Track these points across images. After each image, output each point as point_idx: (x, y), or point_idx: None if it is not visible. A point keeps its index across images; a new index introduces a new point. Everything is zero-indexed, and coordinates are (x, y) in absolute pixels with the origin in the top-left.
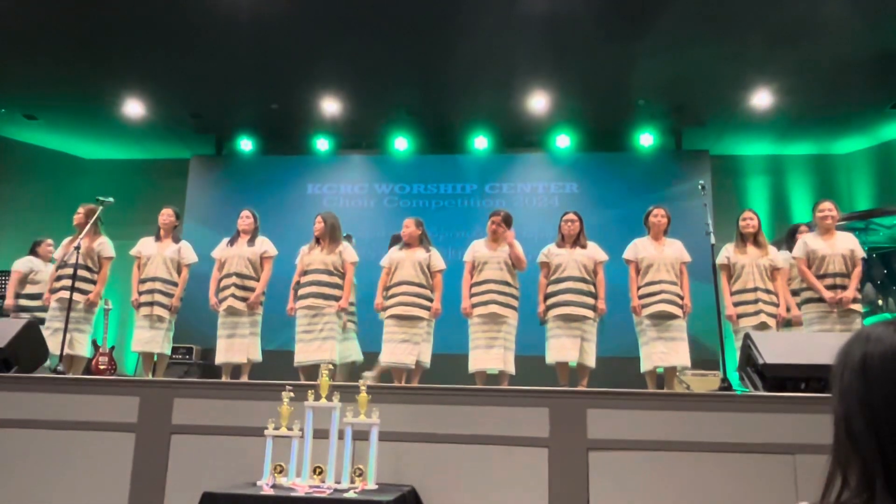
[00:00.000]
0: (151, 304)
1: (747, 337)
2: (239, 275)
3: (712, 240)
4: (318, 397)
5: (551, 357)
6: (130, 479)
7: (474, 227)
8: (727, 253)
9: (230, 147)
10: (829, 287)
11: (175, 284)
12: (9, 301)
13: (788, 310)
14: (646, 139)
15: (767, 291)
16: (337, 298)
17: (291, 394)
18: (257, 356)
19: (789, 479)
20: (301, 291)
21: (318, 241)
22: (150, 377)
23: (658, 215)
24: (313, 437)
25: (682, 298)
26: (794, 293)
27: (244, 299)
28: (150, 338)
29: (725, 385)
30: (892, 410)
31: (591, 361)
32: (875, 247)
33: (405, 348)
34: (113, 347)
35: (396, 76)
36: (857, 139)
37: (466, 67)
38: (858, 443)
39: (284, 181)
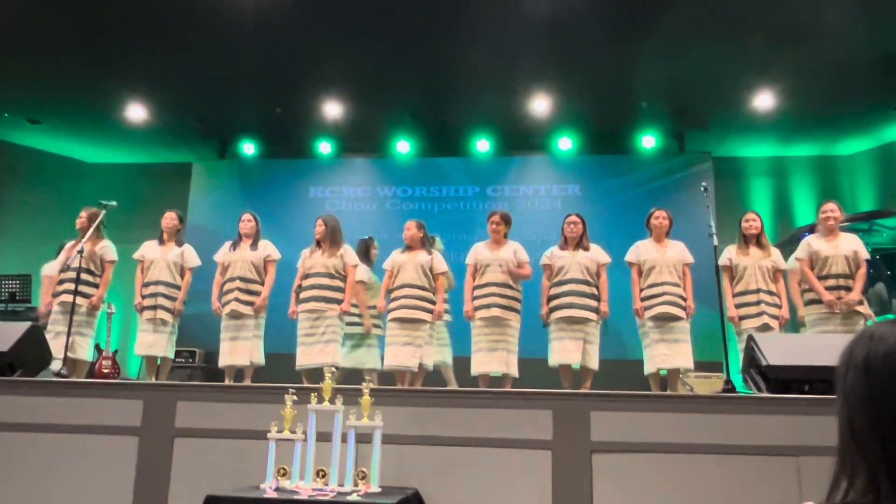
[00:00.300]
0: (154, 307)
1: (750, 339)
2: (242, 279)
3: (715, 241)
4: (320, 400)
5: (554, 359)
6: (134, 483)
7: (476, 230)
8: (729, 254)
9: (233, 151)
10: (832, 288)
11: (178, 288)
12: (43, 308)
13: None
14: (648, 141)
15: (770, 293)
16: (339, 301)
17: (294, 397)
18: (260, 359)
19: (793, 481)
20: (303, 295)
21: (318, 244)
22: (153, 380)
23: (659, 217)
24: (316, 440)
25: (684, 300)
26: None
27: (248, 303)
28: (154, 341)
29: (729, 387)
30: None
31: (593, 364)
32: (878, 248)
33: (408, 351)
34: (116, 351)
35: (398, 79)
36: (860, 140)
37: (468, 70)
38: (863, 443)
39: (287, 184)
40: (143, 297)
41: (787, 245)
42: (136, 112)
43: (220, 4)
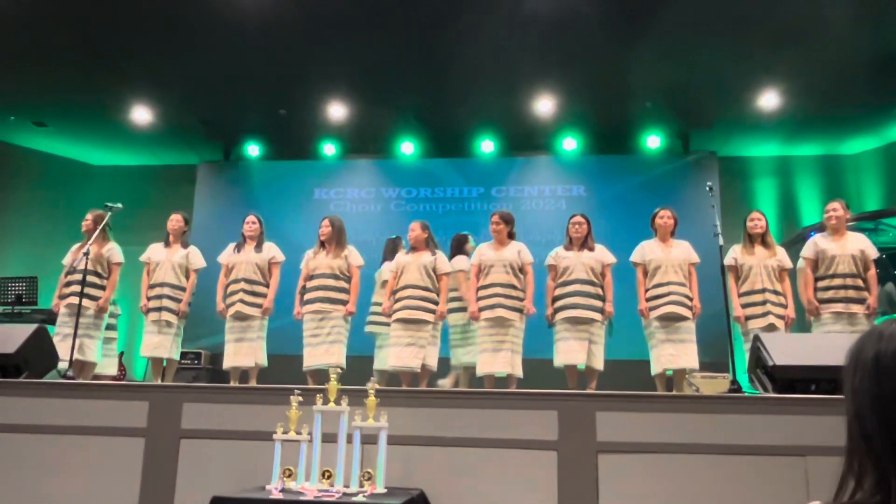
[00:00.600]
0: (160, 309)
1: (757, 339)
2: (247, 280)
3: (720, 241)
4: (326, 401)
5: (559, 360)
6: (140, 484)
7: (481, 231)
8: (734, 254)
9: (238, 152)
10: (839, 287)
11: (184, 290)
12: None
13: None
14: (653, 141)
15: (775, 293)
16: (343, 302)
17: (300, 398)
18: (263, 360)
19: (800, 481)
20: (307, 296)
21: (322, 244)
22: (159, 382)
23: (664, 217)
24: (322, 441)
25: (690, 300)
26: None
27: (252, 304)
28: (159, 343)
29: (735, 387)
30: None
31: (599, 364)
32: (885, 247)
33: (411, 352)
34: (122, 353)
35: (403, 81)
36: (866, 140)
37: (473, 71)
38: (872, 442)
39: (291, 186)
40: (149, 299)
41: (793, 245)
42: (141, 114)
43: (225, 7)
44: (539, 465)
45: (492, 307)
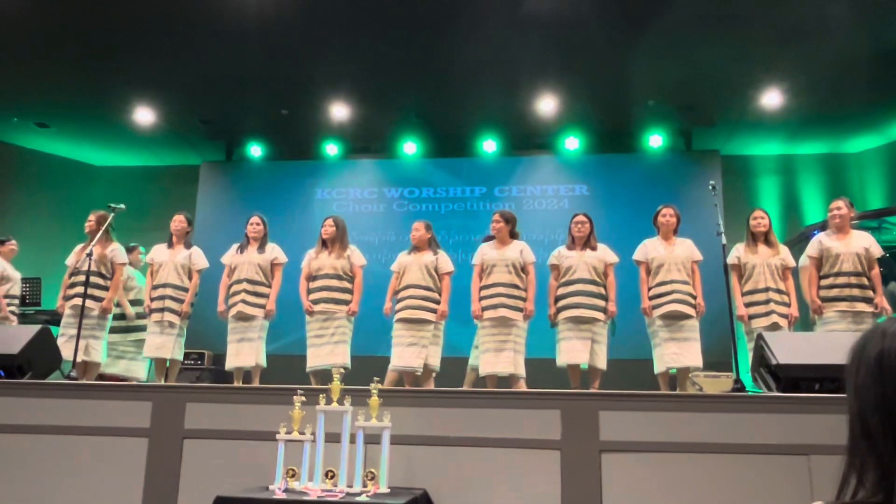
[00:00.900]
0: (162, 310)
1: (760, 337)
2: (250, 281)
3: (723, 240)
4: (329, 401)
5: (562, 359)
6: (143, 484)
7: (483, 231)
8: (737, 253)
9: (240, 153)
10: (843, 285)
11: (186, 290)
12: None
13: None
14: (655, 140)
15: (779, 291)
16: (347, 303)
17: (303, 398)
18: (262, 361)
19: (804, 480)
20: (311, 297)
21: (324, 244)
22: (162, 382)
23: (667, 215)
24: (325, 441)
25: (694, 298)
26: None
27: (254, 305)
28: (162, 343)
29: (738, 386)
30: None
31: (602, 363)
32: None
33: (413, 352)
34: None
35: (405, 80)
36: (869, 137)
37: (475, 71)
38: (874, 441)
39: (294, 186)
40: (152, 299)
41: (796, 243)
42: (144, 115)
43: (226, 8)
44: (542, 465)
45: (494, 307)
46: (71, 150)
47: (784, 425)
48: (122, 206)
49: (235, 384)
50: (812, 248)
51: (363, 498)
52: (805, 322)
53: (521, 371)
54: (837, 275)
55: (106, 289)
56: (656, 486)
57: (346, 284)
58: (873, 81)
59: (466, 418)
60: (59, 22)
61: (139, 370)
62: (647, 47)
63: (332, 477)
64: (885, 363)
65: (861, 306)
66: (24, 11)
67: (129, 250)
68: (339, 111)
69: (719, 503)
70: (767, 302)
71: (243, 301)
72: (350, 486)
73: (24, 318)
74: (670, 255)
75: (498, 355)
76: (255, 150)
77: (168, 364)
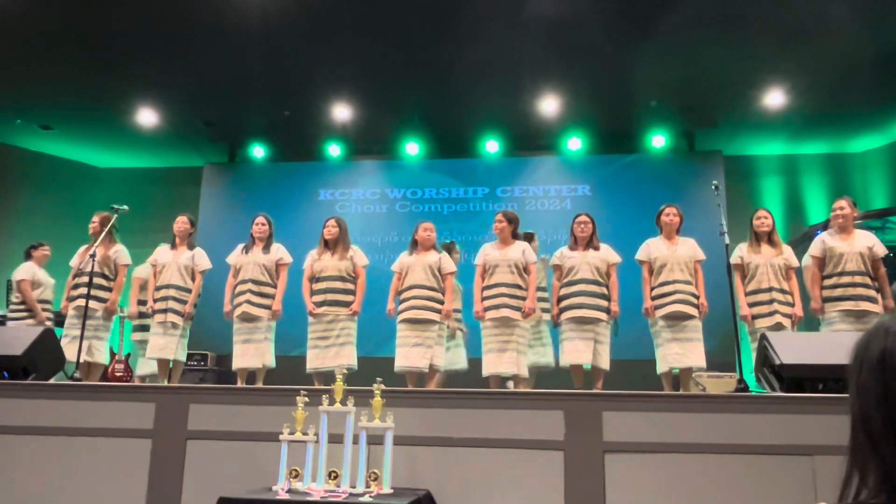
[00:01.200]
0: (165, 311)
1: (763, 337)
2: (255, 281)
3: (726, 240)
4: (332, 402)
5: (565, 360)
6: (147, 485)
7: (486, 231)
8: (741, 252)
9: (243, 154)
10: (847, 285)
11: (189, 291)
12: (133, 309)
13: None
14: (658, 141)
15: (782, 291)
16: (351, 304)
17: (306, 399)
18: (271, 362)
19: (808, 480)
20: (315, 298)
21: (326, 244)
22: (165, 383)
23: (670, 214)
24: (328, 442)
25: (696, 298)
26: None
27: (260, 305)
28: (164, 344)
29: (742, 386)
30: None
31: (605, 364)
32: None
33: (418, 352)
34: (129, 355)
35: (407, 81)
36: (872, 137)
37: (477, 71)
38: (876, 441)
39: (297, 187)
40: (155, 300)
41: (800, 243)
42: (147, 117)
43: (229, 10)
44: (545, 466)
45: (496, 307)
46: (75, 151)
47: (788, 426)
48: (126, 207)
49: (239, 385)
50: (815, 248)
51: (366, 498)
52: (809, 322)
53: (524, 371)
54: (841, 274)
55: (109, 290)
56: (660, 487)
57: (350, 286)
58: (877, 81)
59: (469, 419)
60: (63, 24)
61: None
62: (650, 48)
63: (335, 477)
64: (887, 363)
65: (865, 305)
66: (28, 14)
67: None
68: (342, 112)
69: None
70: (771, 302)
71: (248, 302)
72: (353, 487)
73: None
74: (673, 255)
75: (501, 355)
76: (258, 152)
77: (171, 365)
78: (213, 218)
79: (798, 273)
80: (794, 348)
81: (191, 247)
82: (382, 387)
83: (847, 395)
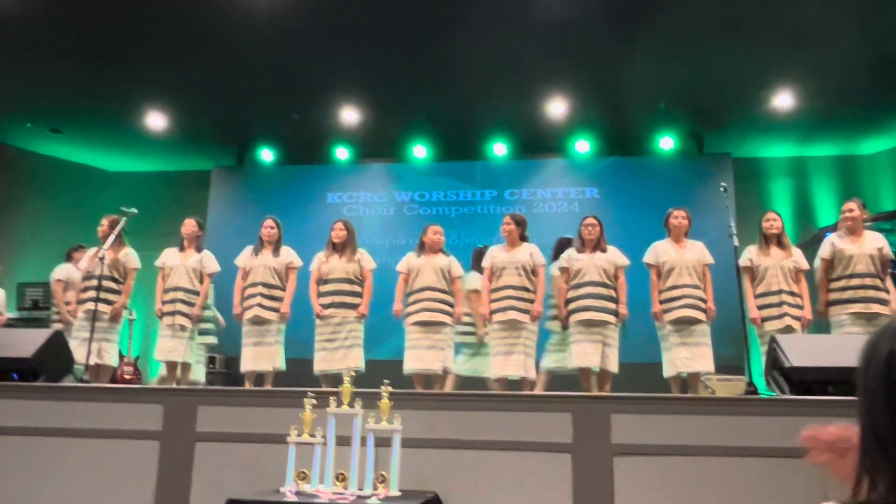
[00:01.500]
0: (173, 313)
1: (773, 340)
2: (265, 284)
3: (735, 242)
4: (340, 404)
5: (573, 362)
6: (155, 487)
7: (494, 234)
8: (750, 255)
9: (251, 157)
10: (857, 287)
11: (197, 294)
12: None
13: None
14: (666, 143)
15: (792, 294)
16: (358, 306)
17: (314, 401)
18: (281, 364)
19: (817, 484)
20: (322, 301)
21: (334, 247)
22: (174, 386)
23: (678, 217)
24: (336, 444)
25: (704, 302)
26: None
27: (270, 308)
28: (173, 346)
29: (751, 389)
30: None
31: (613, 367)
32: None
33: (432, 355)
34: (138, 357)
35: (415, 84)
36: (882, 139)
37: (485, 74)
38: (884, 444)
39: (305, 190)
40: (163, 303)
41: (809, 246)
42: (156, 120)
43: (237, 13)
44: (554, 468)
45: (504, 310)
46: (84, 155)
47: (797, 428)
48: (135, 210)
49: (247, 387)
50: (824, 250)
51: (374, 501)
52: (819, 324)
53: (532, 374)
54: (851, 276)
55: (119, 293)
56: (669, 490)
57: (357, 288)
58: (886, 83)
59: (477, 421)
60: (73, 29)
61: (200, 373)
62: (658, 50)
63: (342, 480)
64: (894, 365)
65: (876, 307)
66: (37, 18)
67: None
68: (350, 115)
69: None
70: (781, 304)
71: (259, 305)
72: (361, 489)
73: (37, 323)
74: (681, 259)
75: (508, 358)
76: (267, 155)
77: (180, 367)
78: (221, 221)
79: (808, 275)
80: (803, 351)
81: (199, 250)
82: (390, 389)
83: (856, 397)
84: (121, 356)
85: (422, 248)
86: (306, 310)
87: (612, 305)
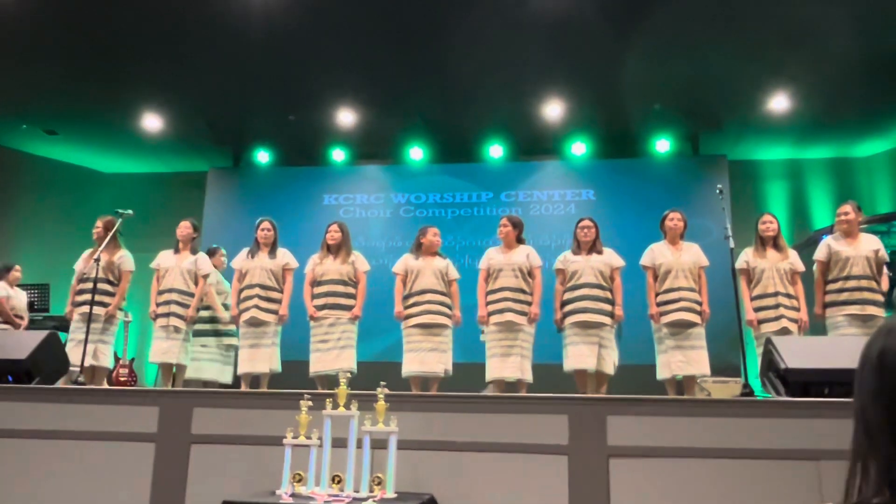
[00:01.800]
0: (168, 315)
1: (769, 342)
2: (262, 286)
3: (731, 244)
4: (336, 406)
5: (569, 364)
6: (150, 489)
7: (490, 236)
8: (746, 257)
9: (247, 159)
10: (853, 289)
11: (191, 296)
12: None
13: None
14: (662, 145)
15: (788, 296)
16: (352, 308)
17: (310, 403)
18: (277, 366)
19: (813, 485)
20: (315, 302)
21: (328, 248)
22: (169, 387)
23: (674, 219)
24: (332, 446)
25: (700, 305)
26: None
27: (267, 310)
28: (168, 348)
29: (747, 391)
30: None
31: (609, 368)
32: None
33: (434, 357)
34: (133, 359)
35: (411, 86)
36: (878, 142)
37: (481, 76)
38: (874, 435)
39: (301, 192)
40: (158, 305)
41: (805, 248)
42: (151, 122)
43: (232, 15)
44: (550, 470)
45: (501, 311)
46: (79, 156)
47: (793, 430)
48: (130, 211)
49: (243, 389)
50: (820, 252)
51: (370, 503)
52: (815, 326)
53: (528, 376)
54: (847, 278)
55: (114, 295)
56: (665, 492)
57: (351, 290)
58: (882, 85)
59: (474, 423)
60: (68, 30)
61: (228, 375)
62: (654, 51)
63: (338, 482)
64: (885, 360)
65: (872, 309)
66: (32, 19)
67: (212, 253)
68: (346, 117)
69: None
70: (777, 307)
71: (256, 307)
72: (357, 491)
73: (32, 324)
74: (677, 261)
75: (505, 360)
76: (263, 157)
77: (175, 369)
78: (217, 222)
79: (804, 278)
80: (799, 352)
81: (193, 251)
82: (386, 391)
83: (852, 399)
84: (116, 358)
85: (418, 249)
86: (302, 312)
87: (608, 307)
